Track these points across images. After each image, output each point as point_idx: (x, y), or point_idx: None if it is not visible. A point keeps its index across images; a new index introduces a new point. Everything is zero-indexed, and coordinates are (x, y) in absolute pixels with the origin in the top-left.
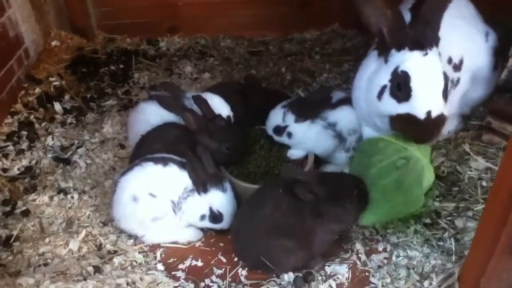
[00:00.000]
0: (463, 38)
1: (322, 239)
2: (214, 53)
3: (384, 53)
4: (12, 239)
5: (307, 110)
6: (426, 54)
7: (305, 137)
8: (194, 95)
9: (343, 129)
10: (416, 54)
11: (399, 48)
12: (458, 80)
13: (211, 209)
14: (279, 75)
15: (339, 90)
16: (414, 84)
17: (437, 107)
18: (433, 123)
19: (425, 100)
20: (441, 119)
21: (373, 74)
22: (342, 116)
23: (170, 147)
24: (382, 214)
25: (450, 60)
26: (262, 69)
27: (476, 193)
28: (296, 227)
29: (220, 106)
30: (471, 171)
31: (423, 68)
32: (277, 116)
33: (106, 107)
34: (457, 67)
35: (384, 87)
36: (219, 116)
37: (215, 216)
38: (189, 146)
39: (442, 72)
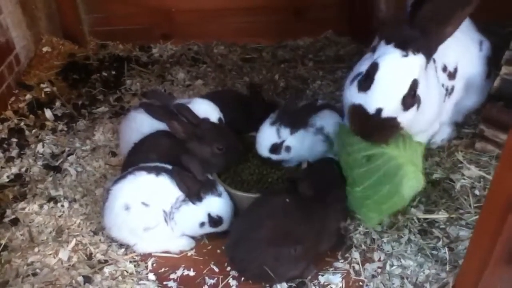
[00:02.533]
0: (458, 47)
1: (334, 229)
2: (207, 60)
3: (377, 44)
4: (0, 248)
5: (298, 119)
6: (406, 55)
7: (302, 147)
8: (176, 103)
9: (330, 132)
10: (397, 52)
11: (388, 42)
12: (452, 88)
13: (210, 215)
14: (272, 82)
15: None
16: (378, 76)
17: (390, 108)
18: (381, 123)
19: (380, 96)
20: (391, 122)
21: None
22: (327, 120)
23: (165, 156)
24: (379, 210)
25: (445, 68)
26: (255, 76)
27: (469, 201)
28: (308, 232)
29: (208, 110)
30: (464, 179)
31: (394, 66)
32: (270, 135)
33: (98, 114)
34: (452, 75)
35: (358, 74)
36: (205, 119)
37: (215, 221)
38: (184, 154)
39: (413, 80)
